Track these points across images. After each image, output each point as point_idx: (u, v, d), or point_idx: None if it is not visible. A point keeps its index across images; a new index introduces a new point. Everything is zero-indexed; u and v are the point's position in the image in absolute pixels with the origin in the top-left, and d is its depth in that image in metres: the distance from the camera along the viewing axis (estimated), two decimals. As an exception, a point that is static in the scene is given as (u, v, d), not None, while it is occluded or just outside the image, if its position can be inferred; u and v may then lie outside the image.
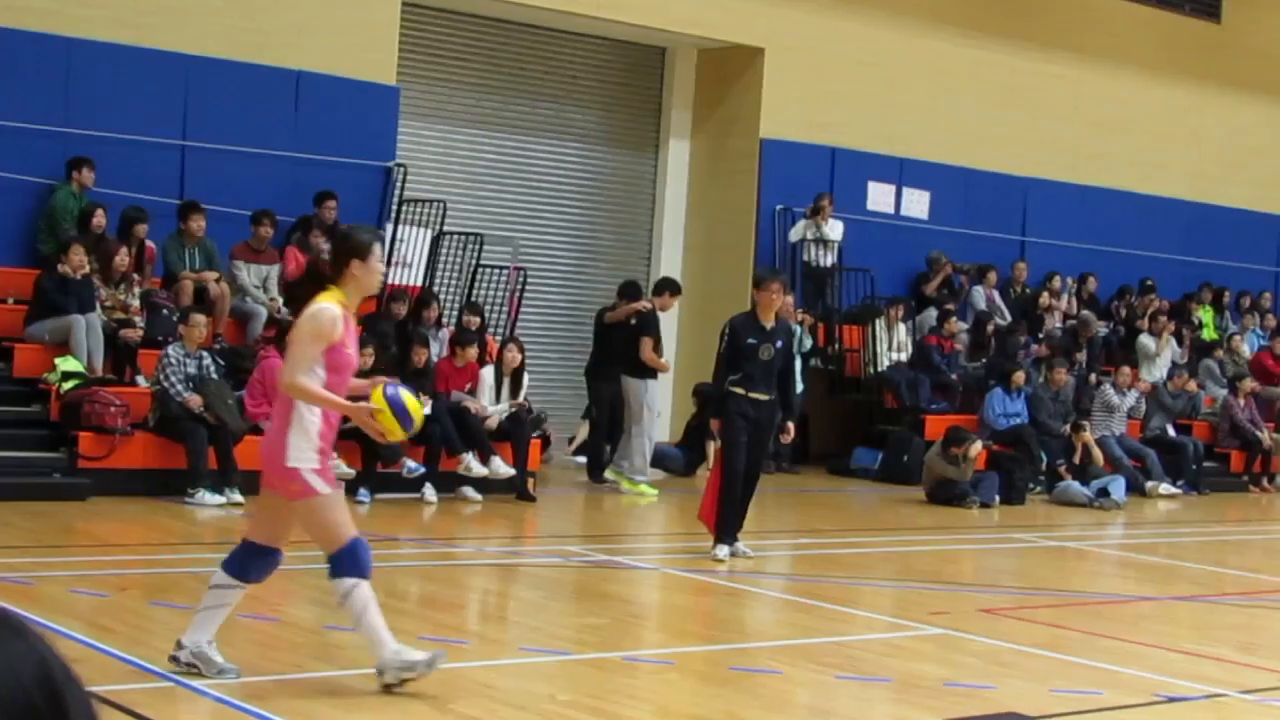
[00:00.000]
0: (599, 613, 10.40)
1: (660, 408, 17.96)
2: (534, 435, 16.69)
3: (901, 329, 21.10)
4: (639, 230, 22.09)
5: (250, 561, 7.63)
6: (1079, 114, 24.55)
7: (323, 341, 7.32)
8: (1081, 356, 22.06)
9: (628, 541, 14.41)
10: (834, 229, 21.26)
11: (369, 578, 7.50)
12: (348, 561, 7.45)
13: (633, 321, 17.36)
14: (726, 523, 12.61)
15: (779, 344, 12.55)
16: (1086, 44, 24.68)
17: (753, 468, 12.67)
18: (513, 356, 16.44)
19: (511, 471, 15.76)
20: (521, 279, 19.57)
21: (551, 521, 15.45)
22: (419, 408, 7.71)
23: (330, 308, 7.38)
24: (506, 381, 16.35)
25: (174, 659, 7.63)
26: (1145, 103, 25.38)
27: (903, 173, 22.74)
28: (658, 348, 17.39)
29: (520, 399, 16.36)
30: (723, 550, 12.54)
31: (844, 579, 12.47)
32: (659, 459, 18.18)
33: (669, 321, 21.29)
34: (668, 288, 17.92)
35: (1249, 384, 22.91)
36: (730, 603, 11.31)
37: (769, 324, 12.56)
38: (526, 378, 16.63)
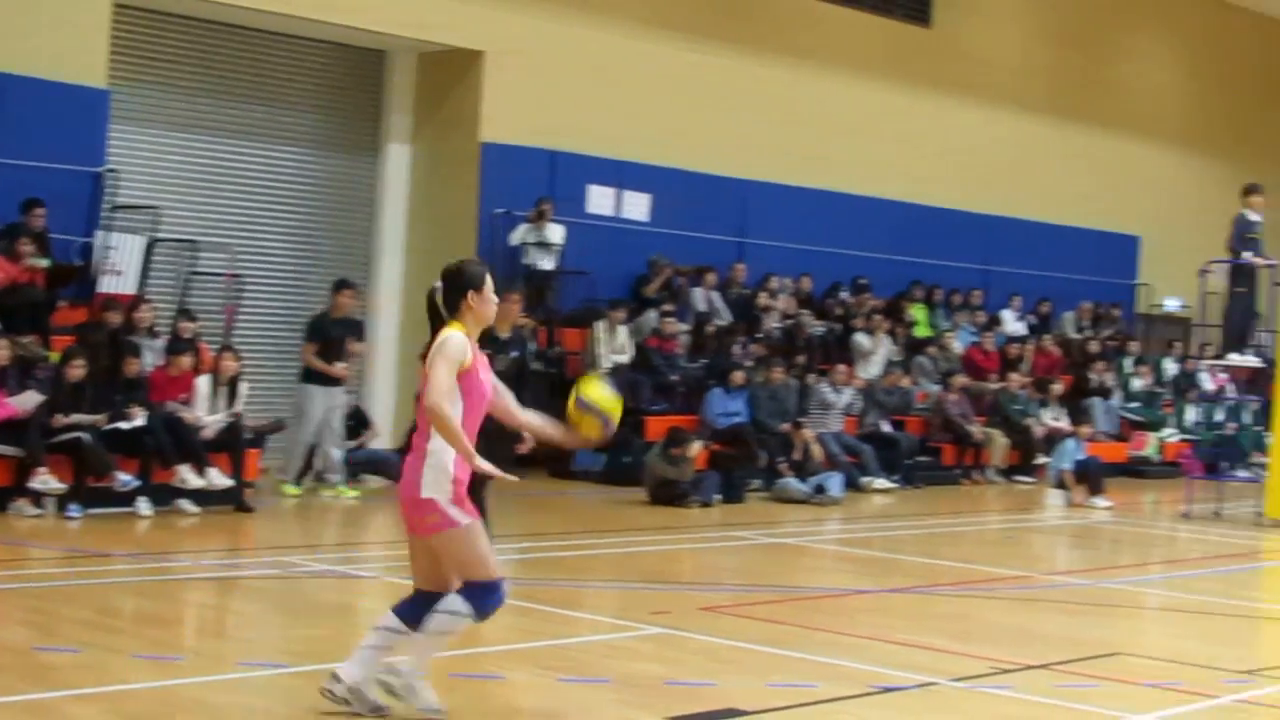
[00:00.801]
0: (318, 624, 10.26)
1: (339, 410, 17.67)
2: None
3: (622, 331, 21.23)
4: (358, 235, 21.85)
5: (423, 612, 7.50)
6: (795, 117, 25.00)
7: (455, 368, 7.38)
8: (802, 357, 22.45)
9: (347, 550, 14.25)
10: (554, 232, 21.32)
11: (478, 621, 7.52)
12: (482, 597, 7.45)
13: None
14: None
15: (514, 354, 12.53)
16: (802, 47, 25.14)
17: (483, 478, 12.58)
18: (229, 365, 16.19)
19: (229, 482, 15.50)
20: (237, 286, 19.27)
21: (270, 532, 15.16)
22: (609, 402, 7.77)
23: (458, 335, 7.46)
24: (223, 391, 16.08)
25: (328, 691, 7.54)
26: (859, 105, 25.96)
27: (622, 176, 22.90)
28: (329, 351, 17.23)
29: (237, 408, 16.09)
30: (446, 556, 12.48)
31: (567, 581, 12.52)
32: (380, 466, 17.95)
33: (389, 325, 21.19)
34: (335, 289, 17.79)
35: (960, 379, 23.62)
36: (453, 609, 11.23)
37: (504, 335, 12.53)
38: (244, 386, 16.37)
